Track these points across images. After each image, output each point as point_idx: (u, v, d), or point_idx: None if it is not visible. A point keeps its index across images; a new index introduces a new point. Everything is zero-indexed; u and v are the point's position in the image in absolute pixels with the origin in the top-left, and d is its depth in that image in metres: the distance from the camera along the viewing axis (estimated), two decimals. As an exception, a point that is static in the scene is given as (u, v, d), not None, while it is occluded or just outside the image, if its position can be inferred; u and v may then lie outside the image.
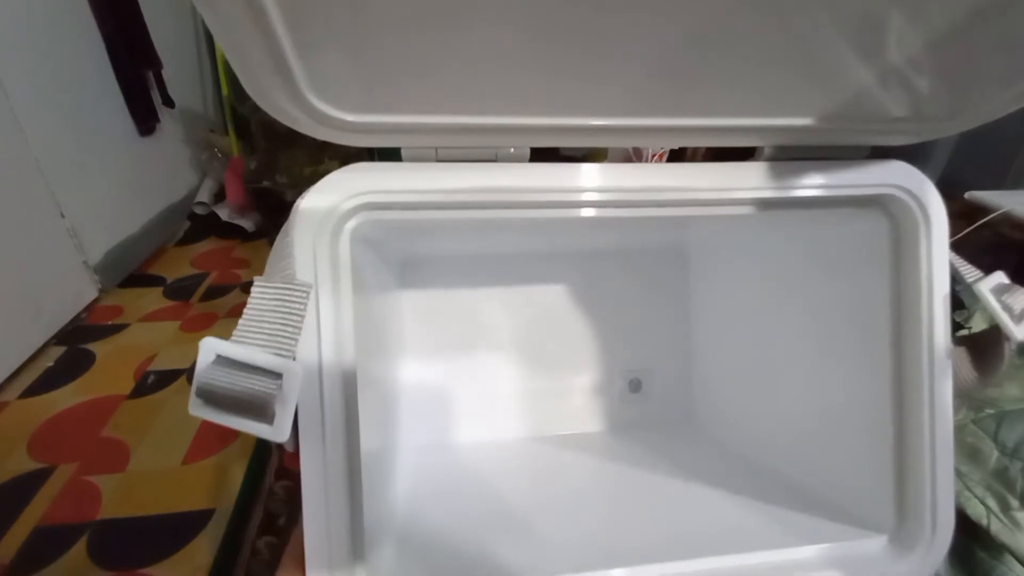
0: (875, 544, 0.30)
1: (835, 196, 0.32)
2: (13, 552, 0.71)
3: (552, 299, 0.51)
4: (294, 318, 0.23)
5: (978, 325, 0.91)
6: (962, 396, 0.31)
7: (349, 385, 0.25)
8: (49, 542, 0.73)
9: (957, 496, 0.65)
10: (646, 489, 0.41)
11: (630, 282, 0.52)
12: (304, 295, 0.24)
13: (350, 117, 0.24)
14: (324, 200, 0.26)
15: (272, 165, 1.48)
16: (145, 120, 1.35)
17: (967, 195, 0.90)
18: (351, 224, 0.27)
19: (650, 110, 0.27)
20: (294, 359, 0.22)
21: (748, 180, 0.30)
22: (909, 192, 0.32)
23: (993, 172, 1.06)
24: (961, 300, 0.97)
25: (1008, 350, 0.31)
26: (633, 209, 0.30)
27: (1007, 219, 0.84)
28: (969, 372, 0.32)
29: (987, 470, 0.65)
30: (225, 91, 1.48)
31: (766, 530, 0.32)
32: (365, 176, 0.26)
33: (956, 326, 0.91)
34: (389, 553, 0.29)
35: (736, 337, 0.47)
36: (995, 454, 0.66)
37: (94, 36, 1.21)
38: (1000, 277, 0.32)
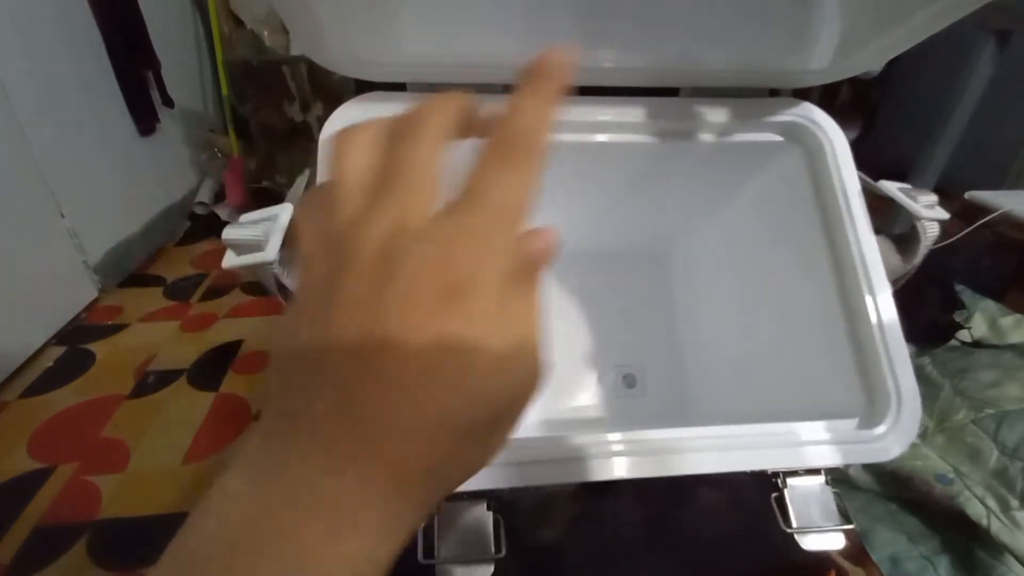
0: (849, 423, 0.32)
1: (748, 123, 0.38)
2: (13, 552, 0.71)
3: (547, 301, 0.53)
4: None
5: (978, 325, 0.92)
6: (895, 281, 0.35)
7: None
8: (49, 542, 0.73)
9: (957, 496, 0.65)
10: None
11: (620, 286, 0.54)
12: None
13: (359, 56, 0.31)
14: (351, 110, 0.33)
15: (272, 165, 1.48)
16: (145, 120, 1.35)
17: (967, 195, 0.91)
18: None
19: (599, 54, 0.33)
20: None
21: (674, 109, 0.37)
22: (811, 120, 0.38)
23: (993, 172, 1.07)
24: (962, 301, 0.97)
25: (920, 230, 0.36)
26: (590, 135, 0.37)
27: (1006, 219, 0.84)
28: (894, 256, 0.37)
29: (987, 470, 0.65)
30: (225, 91, 1.49)
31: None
32: (379, 99, 0.35)
33: (956, 326, 0.91)
34: None
35: (716, 319, 0.51)
36: (995, 454, 0.67)
37: (94, 36, 1.21)
38: (905, 185, 0.38)
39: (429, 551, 0.27)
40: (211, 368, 1.04)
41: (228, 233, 0.29)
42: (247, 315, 1.20)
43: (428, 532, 0.28)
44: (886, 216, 0.38)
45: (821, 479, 0.32)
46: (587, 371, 0.53)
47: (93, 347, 1.09)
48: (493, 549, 0.28)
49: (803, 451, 0.30)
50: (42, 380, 1.00)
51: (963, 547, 0.62)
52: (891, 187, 0.37)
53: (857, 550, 0.67)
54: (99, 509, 0.78)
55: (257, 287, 1.31)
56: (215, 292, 1.28)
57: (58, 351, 1.07)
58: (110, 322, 1.17)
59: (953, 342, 0.90)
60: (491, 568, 0.28)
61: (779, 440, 0.30)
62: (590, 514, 0.42)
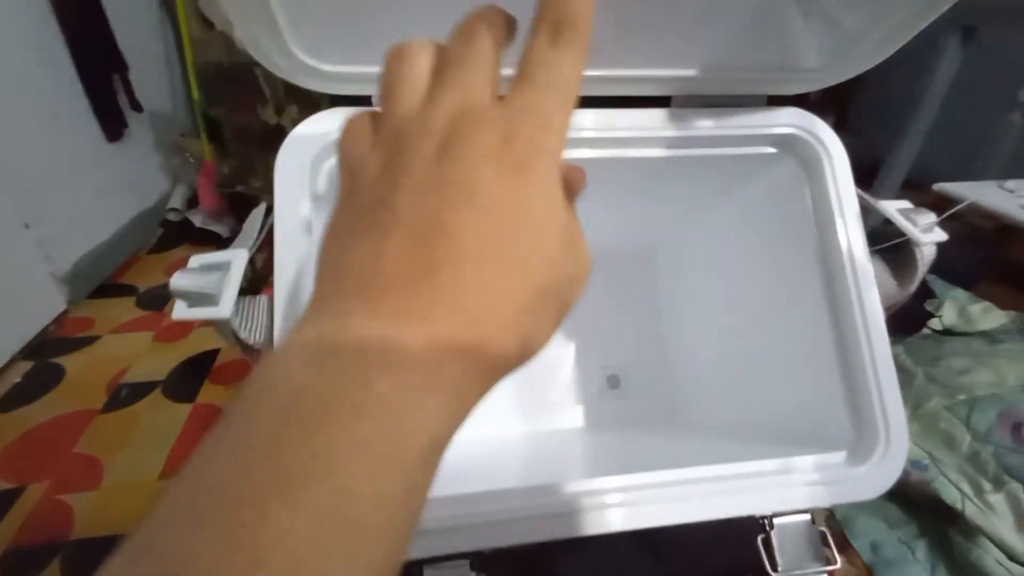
0: (836, 458, 0.32)
1: (743, 135, 0.36)
2: (-18, 577, 0.69)
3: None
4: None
5: (948, 313, 0.94)
6: (888, 307, 0.34)
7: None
8: (21, 564, 0.71)
9: (932, 482, 0.67)
10: (630, 448, 0.45)
11: (606, 284, 0.54)
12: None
13: (328, 67, 0.29)
14: (309, 131, 0.30)
15: (246, 169, 1.45)
16: (112, 125, 1.31)
17: (935, 187, 0.93)
18: (330, 155, 0.32)
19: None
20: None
21: (667, 121, 0.36)
22: (808, 131, 0.36)
23: (960, 164, 1.09)
24: (932, 291, 0.99)
25: (919, 256, 0.35)
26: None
27: (974, 209, 0.86)
28: (889, 281, 0.36)
29: (960, 455, 0.67)
30: (196, 94, 1.45)
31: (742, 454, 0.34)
32: (343, 114, 0.31)
33: (928, 315, 0.94)
34: None
35: (703, 324, 0.51)
36: (967, 439, 0.68)
37: (57, 38, 1.17)
38: (905, 204, 0.37)
39: None
40: (187, 379, 1.01)
41: (177, 281, 0.27)
42: (224, 323, 1.18)
43: None
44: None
45: (808, 518, 0.31)
46: (571, 371, 0.52)
47: (62, 361, 1.05)
48: None
49: (791, 494, 0.30)
50: (9, 396, 0.97)
51: (940, 531, 0.64)
52: (891, 208, 0.36)
53: (838, 537, 0.69)
54: (72, 528, 0.75)
55: (234, 294, 1.28)
56: (190, 300, 1.25)
57: (26, 366, 1.04)
58: (80, 334, 1.13)
59: (925, 330, 0.92)
60: None
61: (767, 483, 0.30)
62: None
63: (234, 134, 1.39)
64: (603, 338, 0.53)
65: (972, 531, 0.60)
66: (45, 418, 0.93)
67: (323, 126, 0.31)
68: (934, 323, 0.93)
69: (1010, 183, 0.93)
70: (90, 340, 1.12)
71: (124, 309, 1.22)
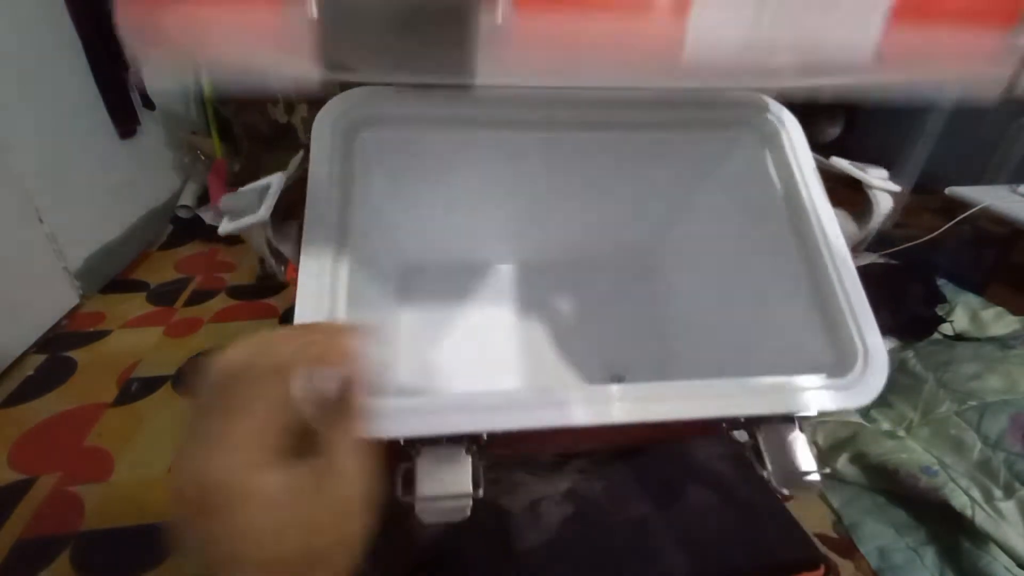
0: (816, 379, 0.33)
1: (710, 118, 0.42)
2: (-6, 566, 0.70)
3: (538, 305, 0.53)
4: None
5: (960, 318, 0.93)
6: (853, 248, 0.38)
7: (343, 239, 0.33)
8: (32, 555, 0.72)
9: (942, 488, 0.66)
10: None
11: (605, 286, 0.55)
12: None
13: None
14: (338, 106, 0.35)
15: (256, 167, 1.46)
16: (125, 122, 1.33)
17: (947, 191, 0.92)
18: (360, 125, 0.36)
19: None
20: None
21: (642, 106, 0.40)
22: (766, 109, 0.42)
23: (971, 169, 1.09)
24: (944, 295, 0.98)
25: (872, 197, 0.39)
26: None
27: (986, 214, 0.86)
28: (850, 224, 0.40)
29: (971, 461, 0.66)
30: (207, 92, 1.46)
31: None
32: (368, 94, 0.37)
33: (939, 319, 0.93)
34: None
35: (698, 313, 0.53)
36: (978, 445, 0.68)
37: (72, 37, 1.19)
38: (856, 163, 0.41)
39: (408, 489, 0.28)
40: (196, 374, 1.02)
41: (225, 202, 0.33)
42: (234, 319, 1.19)
43: (408, 472, 0.29)
44: (853, 202, 0.40)
45: (795, 428, 0.33)
46: (576, 371, 0.52)
47: (74, 355, 1.07)
48: (471, 487, 0.29)
49: (777, 399, 0.32)
50: (22, 389, 0.98)
51: (949, 538, 0.63)
52: (843, 162, 0.41)
53: (845, 543, 0.68)
54: (82, 520, 0.76)
55: (244, 290, 1.29)
56: (200, 296, 1.26)
57: (38, 359, 1.05)
58: (92, 329, 1.15)
59: (936, 335, 0.91)
60: (468, 504, 0.29)
61: (753, 390, 0.32)
62: (580, 516, 0.42)
63: (244, 132, 1.40)
64: (607, 337, 0.54)
65: (981, 538, 0.60)
66: (57, 411, 0.94)
67: (355, 102, 0.37)
68: (945, 328, 0.92)
69: (1023, 187, 0.92)
70: (101, 335, 1.13)
71: (135, 304, 1.23)
